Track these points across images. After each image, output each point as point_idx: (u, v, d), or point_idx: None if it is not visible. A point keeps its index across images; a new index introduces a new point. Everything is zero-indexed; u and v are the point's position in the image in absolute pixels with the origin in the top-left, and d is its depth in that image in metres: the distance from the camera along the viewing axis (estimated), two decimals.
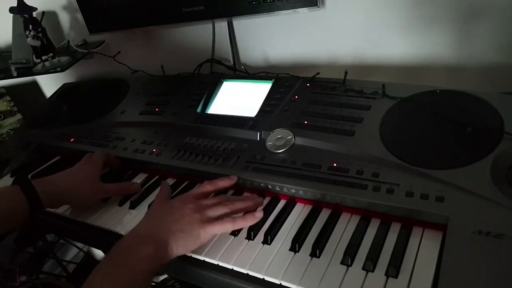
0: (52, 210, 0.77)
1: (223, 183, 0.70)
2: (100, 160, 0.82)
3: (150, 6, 1.02)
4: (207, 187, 0.69)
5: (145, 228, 0.61)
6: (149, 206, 0.72)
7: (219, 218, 0.62)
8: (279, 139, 0.75)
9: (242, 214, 0.65)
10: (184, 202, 0.64)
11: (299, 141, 0.74)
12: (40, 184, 0.71)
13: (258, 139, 0.78)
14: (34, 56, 1.12)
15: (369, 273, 0.53)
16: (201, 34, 1.09)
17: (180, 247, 0.59)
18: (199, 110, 0.90)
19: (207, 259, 0.60)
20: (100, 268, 0.55)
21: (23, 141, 1.04)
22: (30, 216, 0.69)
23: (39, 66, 1.12)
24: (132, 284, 0.54)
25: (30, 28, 1.06)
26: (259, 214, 0.64)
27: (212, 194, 0.70)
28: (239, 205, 0.65)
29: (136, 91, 1.05)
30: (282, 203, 0.68)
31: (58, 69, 1.11)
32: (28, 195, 0.68)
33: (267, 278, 0.55)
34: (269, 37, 1.03)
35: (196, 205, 0.63)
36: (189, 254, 0.61)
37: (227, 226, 0.62)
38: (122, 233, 0.69)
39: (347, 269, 0.54)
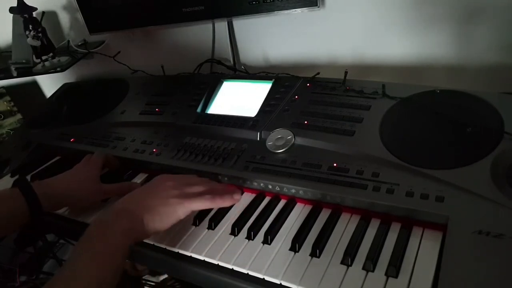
0: None
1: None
2: (99, 161, 0.82)
3: (150, 6, 1.02)
4: (193, 175, 0.70)
5: (121, 204, 0.62)
6: None
7: (199, 195, 0.63)
8: (279, 139, 0.75)
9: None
10: (164, 179, 0.66)
11: (299, 141, 0.74)
12: (40, 187, 0.71)
13: (258, 139, 0.78)
14: (34, 56, 1.12)
15: (369, 273, 0.53)
16: (201, 34, 1.09)
17: (156, 222, 0.61)
18: (199, 110, 0.90)
19: (207, 259, 0.60)
20: (79, 243, 0.56)
21: (23, 141, 1.04)
22: (30, 219, 0.69)
23: (39, 66, 1.12)
24: (110, 256, 0.55)
25: (30, 28, 1.06)
26: (237, 196, 0.67)
27: None
28: (219, 186, 0.67)
29: (136, 91, 1.05)
30: (282, 203, 0.68)
31: (58, 69, 1.11)
32: (27, 198, 0.68)
33: (267, 278, 0.55)
34: (269, 37, 1.03)
35: (176, 182, 0.65)
36: (189, 254, 0.61)
37: (206, 203, 0.63)
38: None
39: (347, 269, 0.54)
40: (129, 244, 0.58)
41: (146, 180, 0.81)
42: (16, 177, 0.93)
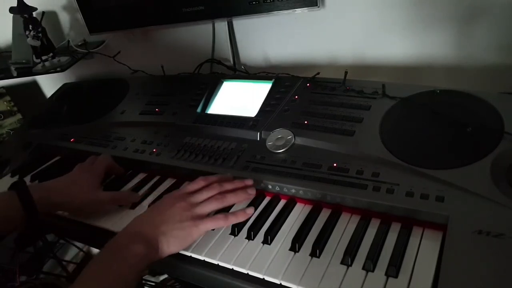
0: None
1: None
2: (102, 167, 0.80)
3: (150, 6, 1.02)
4: (201, 182, 0.67)
5: (136, 227, 0.61)
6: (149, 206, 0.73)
7: (211, 216, 0.63)
8: (279, 139, 0.75)
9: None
10: (174, 200, 0.64)
11: (299, 141, 0.74)
12: (37, 190, 0.70)
13: (258, 139, 0.78)
14: (34, 56, 1.12)
15: (369, 273, 0.53)
16: (201, 34, 1.09)
17: (171, 246, 0.60)
18: (199, 110, 0.90)
19: (207, 259, 0.60)
20: (91, 265, 0.55)
21: (23, 141, 1.04)
22: (26, 222, 0.68)
23: (39, 66, 1.12)
24: (121, 281, 0.54)
25: (30, 28, 1.06)
26: (249, 211, 0.65)
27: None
28: (231, 199, 0.66)
29: (136, 91, 1.05)
30: (282, 203, 0.68)
31: (58, 69, 1.11)
32: (23, 202, 0.67)
33: (267, 278, 0.55)
34: (269, 37, 1.02)
35: (187, 203, 0.63)
36: (189, 254, 0.61)
37: (220, 223, 0.63)
38: None
39: (347, 269, 0.54)
40: (142, 268, 0.57)
41: (145, 180, 0.81)
42: (15, 178, 0.93)
